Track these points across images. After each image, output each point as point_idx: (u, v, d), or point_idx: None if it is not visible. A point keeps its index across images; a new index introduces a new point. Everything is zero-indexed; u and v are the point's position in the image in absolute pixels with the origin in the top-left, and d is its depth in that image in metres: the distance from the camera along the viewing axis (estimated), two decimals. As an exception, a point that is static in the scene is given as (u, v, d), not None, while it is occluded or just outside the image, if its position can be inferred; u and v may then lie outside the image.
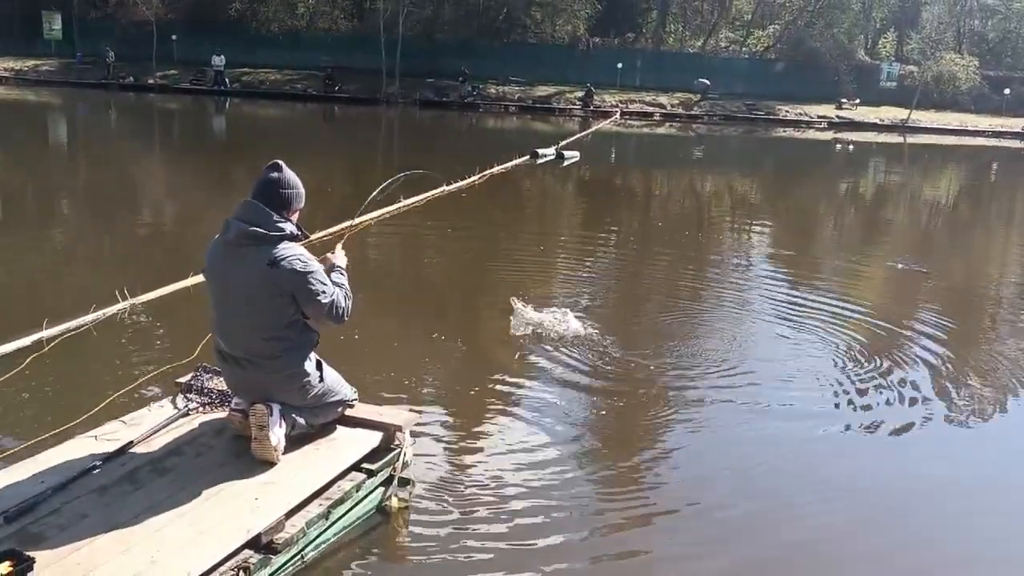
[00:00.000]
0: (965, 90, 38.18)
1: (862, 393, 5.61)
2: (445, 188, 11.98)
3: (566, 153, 18.34)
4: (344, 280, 3.72)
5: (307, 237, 3.68)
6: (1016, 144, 32.67)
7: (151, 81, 35.06)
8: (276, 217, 3.43)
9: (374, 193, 4.78)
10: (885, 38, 45.67)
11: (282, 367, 3.50)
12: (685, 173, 20.90)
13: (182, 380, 4.08)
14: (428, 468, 4.26)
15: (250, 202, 3.45)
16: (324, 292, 3.47)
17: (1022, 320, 8.10)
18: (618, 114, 33.10)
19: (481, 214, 11.76)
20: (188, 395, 3.97)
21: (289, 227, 3.46)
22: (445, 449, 4.54)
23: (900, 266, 9.98)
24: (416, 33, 37.18)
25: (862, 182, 20.87)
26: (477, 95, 35.17)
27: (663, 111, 35.42)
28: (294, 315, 3.48)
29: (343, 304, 3.57)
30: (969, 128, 35.17)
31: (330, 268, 3.72)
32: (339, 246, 3.98)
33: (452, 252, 9.67)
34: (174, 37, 37.27)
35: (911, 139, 32.40)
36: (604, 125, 28.69)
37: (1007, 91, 38.20)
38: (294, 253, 3.42)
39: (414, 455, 4.04)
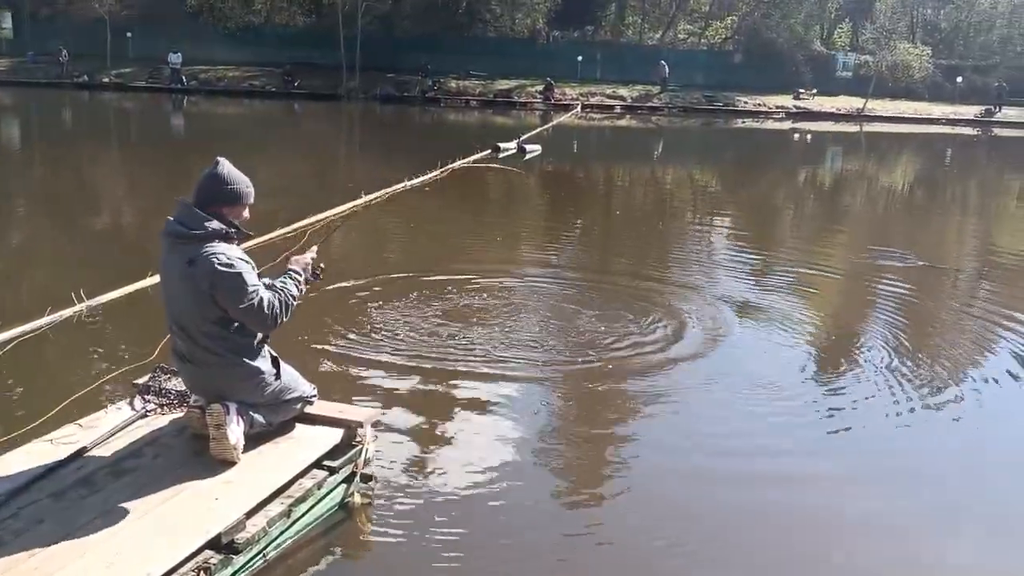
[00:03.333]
0: (919, 79, 38.78)
1: (836, 395, 5.56)
2: (407, 183, 11.97)
3: (527, 147, 18.35)
4: (289, 284, 3.58)
5: (245, 236, 3.59)
6: (969, 131, 33.28)
7: (106, 79, 34.48)
8: (203, 215, 3.39)
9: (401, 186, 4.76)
10: (840, 28, 46.20)
11: (229, 365, 3.48)
12: (647, 165, 21.04)
13: (140, 381, 4.05)
14: (392, 464, 4.26)
15: (180, 200, 3.45)
16: (244, 294, 3.35)
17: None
18: (579, 107, 33.14)
19: (443, 208, 11.74)
20: (146, 396, 3.94)
21: (215, 225, 3.38)
22: (409, 444, 4.54)
23: (889, 261, 10.12)
24: (376, 28, 36.95)
25: (822, 172, 21.15)
26: (438, 90, 35.05)
27: (623, 103, 35.54)
28: (223, 314, 3.42)
29: (268, 311, 3.41)
30: (923, 116, 35.72)
31: (284, 270, 3.67)
32: (312, 249, 3.86)
33: (413, 246, 9.65)
34: (129, 34, 36.66)
35: (867, 128, 32.86)
36: (565, 118, 28.73)
37: (959, 79, 38.86)
38: (216, 251, 3.35)
39: (377, 451, 4.05)
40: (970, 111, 36.33)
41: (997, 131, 33.62)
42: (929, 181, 20.57)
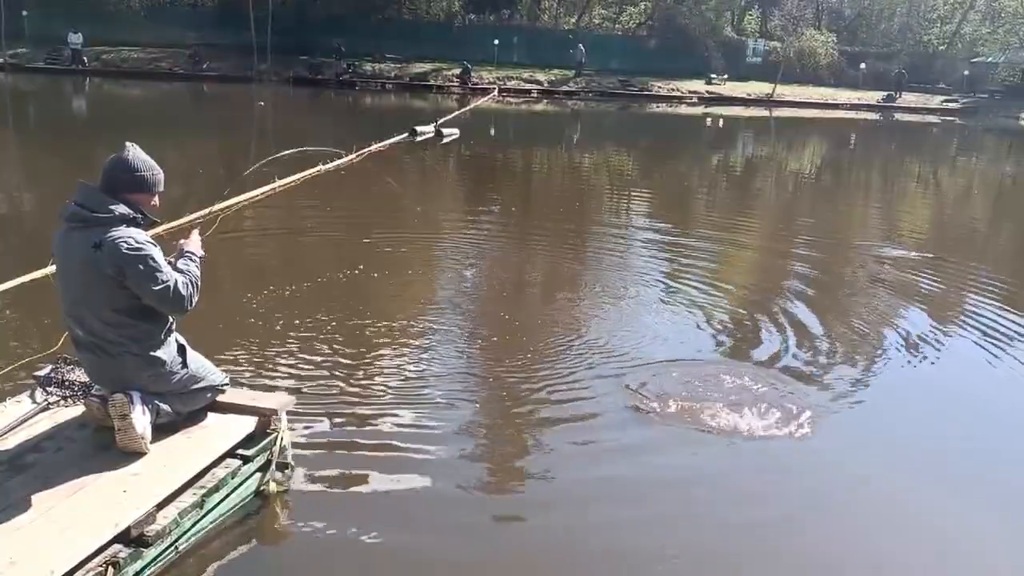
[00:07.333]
0: (824, 65, 40.08)
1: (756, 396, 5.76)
2: (321, 167, 11.77)
3: (445, 131, 18.30)
4: (192, 266, 3.55)
5: (152, 222, 3.50)
6: (871, 116, 34.52)
7: (0, 60, 32.86)
8: (108, 199, 3.30)
9: (248, 171, 4.65)
10: (750, 15, 47.34)
11: (131, 353, 3.39)
12: (566, 149, 21.17)
13: (41, 373, 3.89)
14: (309, 450, 4.20)
15: (83, 184, 3.35)
16: (156, 277, 3.29)
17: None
18: (496, 91, 33.14)
19: (360, 192, 11.59)
20: (47, 388, 3.78)
21: (121, 209, 3.30)
22: (327, 430, 4.48)
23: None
24: (287, 8, 36.06)
25: (735, 156, 21.62)
26: (353, 73, 34.51)
27: (540, 88, 35.70)
28: (130, 299, 3.34)
29: (183, 291, 3.38)
30: (829, 102, 36.93)
31: (179, 254, 3.60)
32: (195, 232, 3.83)
33: (330, 231, 9.50)
34: (24, 13, 34.92)
35: (776, 112, 33.75)
36: (482, 102, 28.69)
37: (863, 66, 40.33)
38: (122, 235, 3.26)
39: (293, 439, 3.98)
40: (872, 97, 37.74)
41: (897, 116, 34.98)
42: (835, 163, 21.28)
